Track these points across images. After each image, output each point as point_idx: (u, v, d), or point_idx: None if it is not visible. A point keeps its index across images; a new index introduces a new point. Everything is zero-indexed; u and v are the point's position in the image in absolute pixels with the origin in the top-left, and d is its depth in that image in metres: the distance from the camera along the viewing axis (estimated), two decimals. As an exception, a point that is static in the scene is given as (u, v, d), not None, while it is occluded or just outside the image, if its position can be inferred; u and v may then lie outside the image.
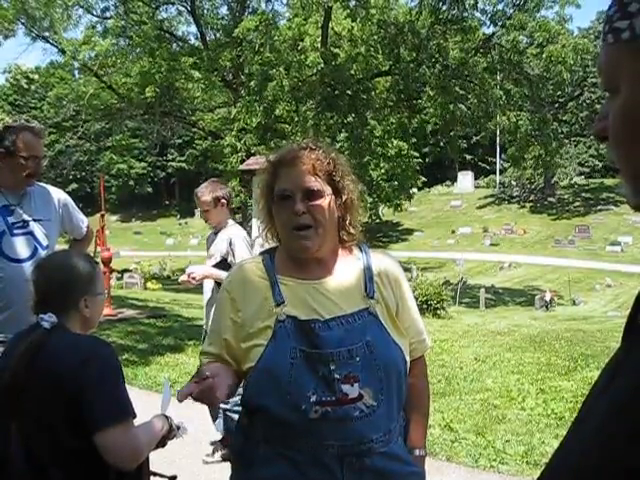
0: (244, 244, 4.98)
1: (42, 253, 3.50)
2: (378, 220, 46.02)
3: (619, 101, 0.81)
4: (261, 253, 2.20)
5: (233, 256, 4.94)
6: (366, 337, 1.97)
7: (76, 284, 2.27)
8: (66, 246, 4.14)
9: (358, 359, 1.93)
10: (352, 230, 2.12)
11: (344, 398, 1.91)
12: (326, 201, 2.02)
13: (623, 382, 0.72)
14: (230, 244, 4.97)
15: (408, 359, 2.08)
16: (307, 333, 1.95)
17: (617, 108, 0.81)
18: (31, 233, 3.59)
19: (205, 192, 5.09)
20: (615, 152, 0.83)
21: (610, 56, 0.83)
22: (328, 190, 2.04)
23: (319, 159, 2.05)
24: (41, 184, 3.83)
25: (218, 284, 4.81)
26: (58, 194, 3.87)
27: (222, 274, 4.79)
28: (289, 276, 2.06)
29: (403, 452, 2.08)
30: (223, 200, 5.08)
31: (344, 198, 2.07)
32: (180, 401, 1.77)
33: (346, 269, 2.10)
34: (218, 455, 5.12)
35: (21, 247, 3.53)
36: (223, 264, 4.91)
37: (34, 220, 3.62)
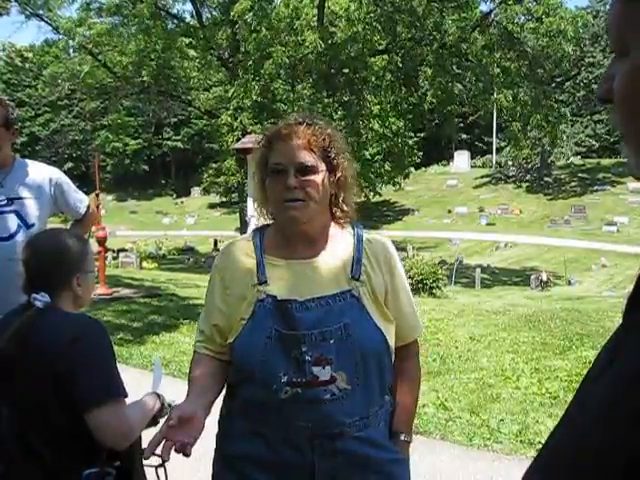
0: None
1: (26, 232, 3.40)
2: (375, 199, 45.89)
3: (628, 64, 0.75)
4: (253, 230, 2.19)
5: None
6: (344, 319, 1.95)
7: (69, 262, 2.25)
8: (60, 225, 4.06)
9: (332, 341, 1.93)
10: (346, 208, 2.10)
11: (314, 380, 1.91)
12: (319, 177, 2.00)
13: (623, 364, 0.69)
14: None
15: (392, 344, 2.06)
16: (284, 313, 1.95)
17: (625, 71, 0.76)
18: (15, 212, 3.49)
19: None
20: (620, 117, 0.78)
21: (621, 15, 0.77)
22: (322, 166, 2.01)
23: (315, 134, 2.02)
24: (33, 162, 3.74)
25: None
26: (50, 173, 3.72)
27: None
28: (276, 255, 2.06)
29: (383, 438, 2.06)
30: None
31: (338, 175, 2.04)
32: (146, 458, 1.82)
33: (334, 249, 2.08)
34: None
35: (4, 225, 3.44)
36: None
37: (20, 198, 3.52)
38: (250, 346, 1.95)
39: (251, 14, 23.05)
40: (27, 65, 63.31)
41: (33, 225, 3.50)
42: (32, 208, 3.55)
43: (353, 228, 2.15)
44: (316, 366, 1.91)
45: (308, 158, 1.99)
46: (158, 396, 2.39)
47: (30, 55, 58.55)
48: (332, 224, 2.12)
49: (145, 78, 25.34)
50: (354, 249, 2.08)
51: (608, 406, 0.68)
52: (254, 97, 22.97)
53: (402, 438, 2.13)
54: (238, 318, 2.00)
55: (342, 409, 1.93)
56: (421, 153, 47.88)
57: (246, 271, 2.04)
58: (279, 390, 1.91)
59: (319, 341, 1.92)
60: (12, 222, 3.46)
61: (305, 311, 1.95)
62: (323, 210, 2.06)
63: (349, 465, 1.97)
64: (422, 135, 45.86)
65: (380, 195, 47.03)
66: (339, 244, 2.10)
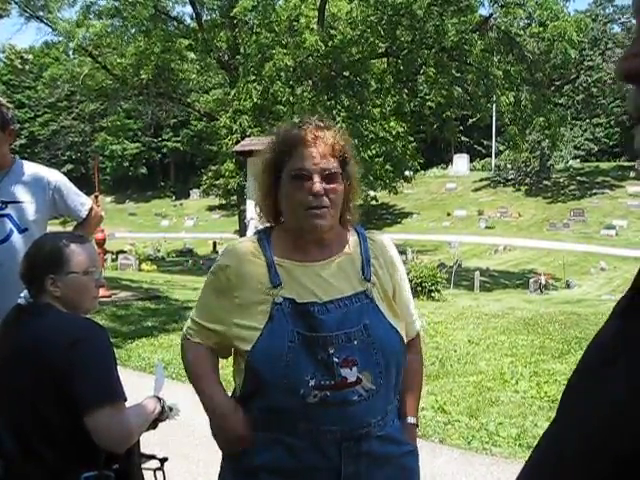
0: None
1: (19, 236, 3.36)
2: (374, 202, 45.79)
3: None
4: (256, 233, 2.15)
5: None
6: (363, 320, 1.95)
7: (37, 263, 2.27)
8: (59, 228, 4.01)
9: (356, 342, 1.92)
10: (353, 211, 2.11)
11: (343, 382, 1.89)
12: (341, 185, 1.99)
13: (622, 374, 0.67)
14: None
15: (405, 341, 2.07)
16: (305, 316, 1.93)
17: None
18: (8, 215, 3.41)
19: None
20: None
21: None
22: (341, 173, 2.00)
23: (337, 140, 2.00)
24: (33, 164, 3.66)
25: None
26: (49, 176, 3.61)
27: None
28: (286, 258, 2.02)
29: (398, 433, 2.06)
30: None
31: (349, 180, 2.04)
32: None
33: (344, 251, 2.07)
34: None
35: None
36: None
37: (15, 202, 3.44)
38: (272, 351, 1.90)
39: (253, 14, 23.07)
40: (27, 67, 63.29)
41: (26, 229, 3.42)
42: (27, 212, 3.47)
43: (356, 230, 2.15)
44: (344, 368, 1.90)
45: (333, 165, 1.97)
46: (159, 399, 2.38)
47: (30, 57, 58.55)
48: (340, 227, 2.11)
49: (143, 76, 25.30)
50: (362, 250, 2.08)
51: (602, 413, 0.67)
52: (254, 99, 22.97)
53: (410, 421, 2.13)
54: (250, 323, 1.96)
55: (368, 409, 1.93)
56: (421, 160, 47.70)
57: (256, 274, 2.00)
58: (307, 394, 1.87)
59: (345, 342, 1.91)
60: (4, 226, 3.39)
61: (327, 313, 1.93)
62: (337, 216, 2.05)
63: (371, 464, 1.96)
64: (421, 137, 45.78)
65: (377, 201, 46.91)
66: (347, 246, 2.09)
